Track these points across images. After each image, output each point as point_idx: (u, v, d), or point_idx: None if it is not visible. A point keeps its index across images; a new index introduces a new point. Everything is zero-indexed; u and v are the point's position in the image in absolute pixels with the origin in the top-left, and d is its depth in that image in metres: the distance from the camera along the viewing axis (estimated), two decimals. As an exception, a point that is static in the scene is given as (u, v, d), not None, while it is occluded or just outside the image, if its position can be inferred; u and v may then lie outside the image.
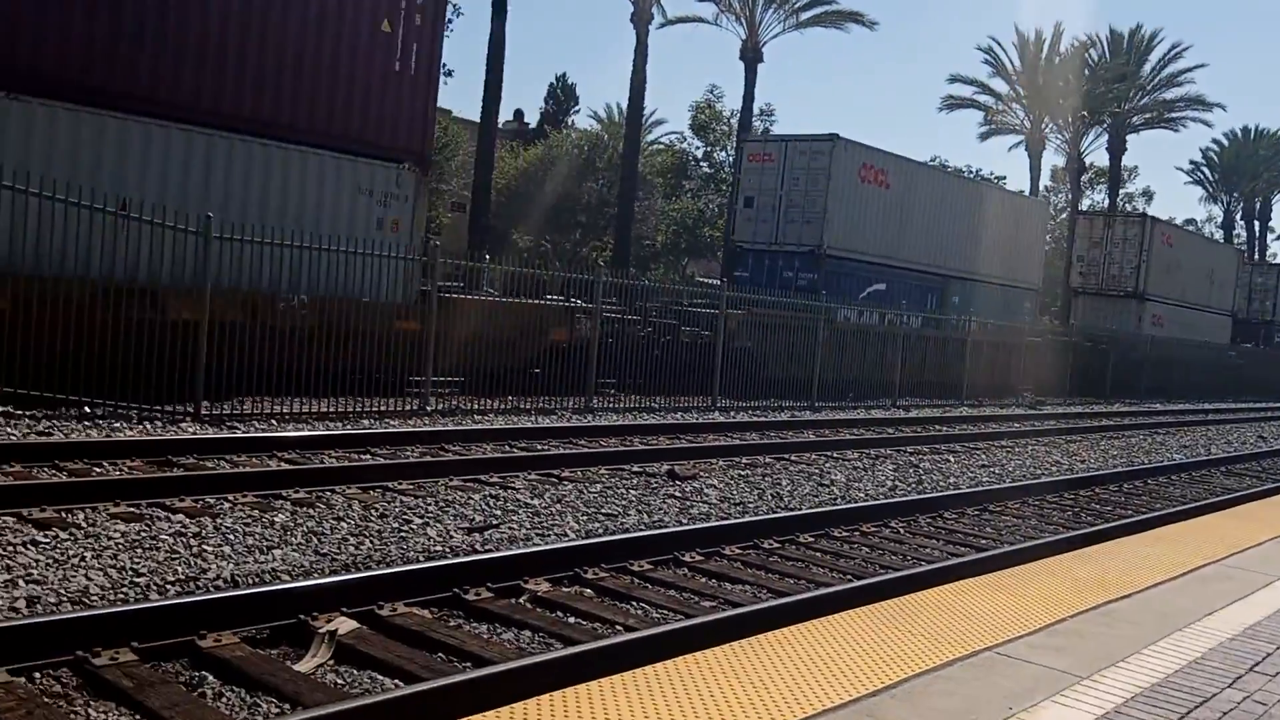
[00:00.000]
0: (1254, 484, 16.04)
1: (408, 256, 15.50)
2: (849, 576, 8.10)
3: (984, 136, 54.73)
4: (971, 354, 27.81)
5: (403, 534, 8.10)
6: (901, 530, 10.16)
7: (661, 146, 53.49)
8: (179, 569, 6.65)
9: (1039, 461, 16.68)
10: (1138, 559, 6.81)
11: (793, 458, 14.14)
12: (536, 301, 17.47)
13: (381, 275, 14.70)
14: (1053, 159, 58.34)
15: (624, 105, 43.73)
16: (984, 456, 16.51)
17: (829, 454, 14.85)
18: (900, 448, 16.36)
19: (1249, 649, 4.99)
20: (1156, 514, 11.87)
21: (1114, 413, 28.51)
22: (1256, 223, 71.97)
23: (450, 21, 29.20)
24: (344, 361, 13.92)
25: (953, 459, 15.82)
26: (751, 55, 41.38)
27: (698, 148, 48.43)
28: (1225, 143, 68.87)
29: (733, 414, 18.84)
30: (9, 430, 10.48)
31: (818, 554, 8.82)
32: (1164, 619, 5.34)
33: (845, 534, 9.60)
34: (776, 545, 8.84)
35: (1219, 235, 69.37)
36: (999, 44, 53.39)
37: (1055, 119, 53.55)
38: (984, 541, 10.01)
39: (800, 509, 10.54)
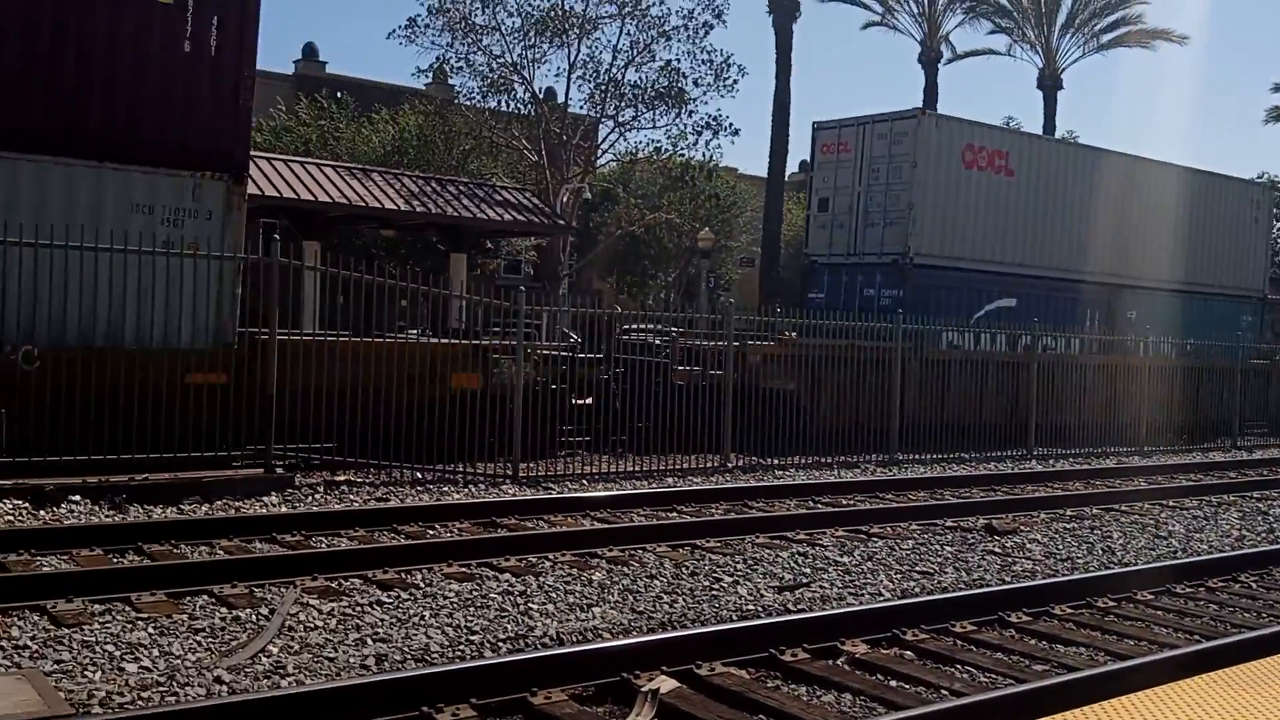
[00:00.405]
0: None
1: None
2: (1196, 637, 7.49)
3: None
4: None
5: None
6: (1253, 584, 9.30)
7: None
8: (508, 626, 7.04)
9: None
10: None
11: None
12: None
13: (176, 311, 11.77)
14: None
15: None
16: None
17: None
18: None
19: None
20: None
21: None
22: None
23: (736, 82, 29.78)
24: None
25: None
26: (1050, 82, 39.78)
27: None
28: None
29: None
30: (352, 497, 11.46)
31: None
32: None
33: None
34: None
35: None
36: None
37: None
38: (1350, 598, 9.00)
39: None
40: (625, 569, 8.77)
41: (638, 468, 13.89)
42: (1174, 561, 9.83)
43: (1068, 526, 11.87)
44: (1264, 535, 11.99)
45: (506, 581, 8.14)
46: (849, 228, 21.81)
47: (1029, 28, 40.09)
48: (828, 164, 22.43)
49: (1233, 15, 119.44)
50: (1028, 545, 10.72)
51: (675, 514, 11.47)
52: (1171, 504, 13.78)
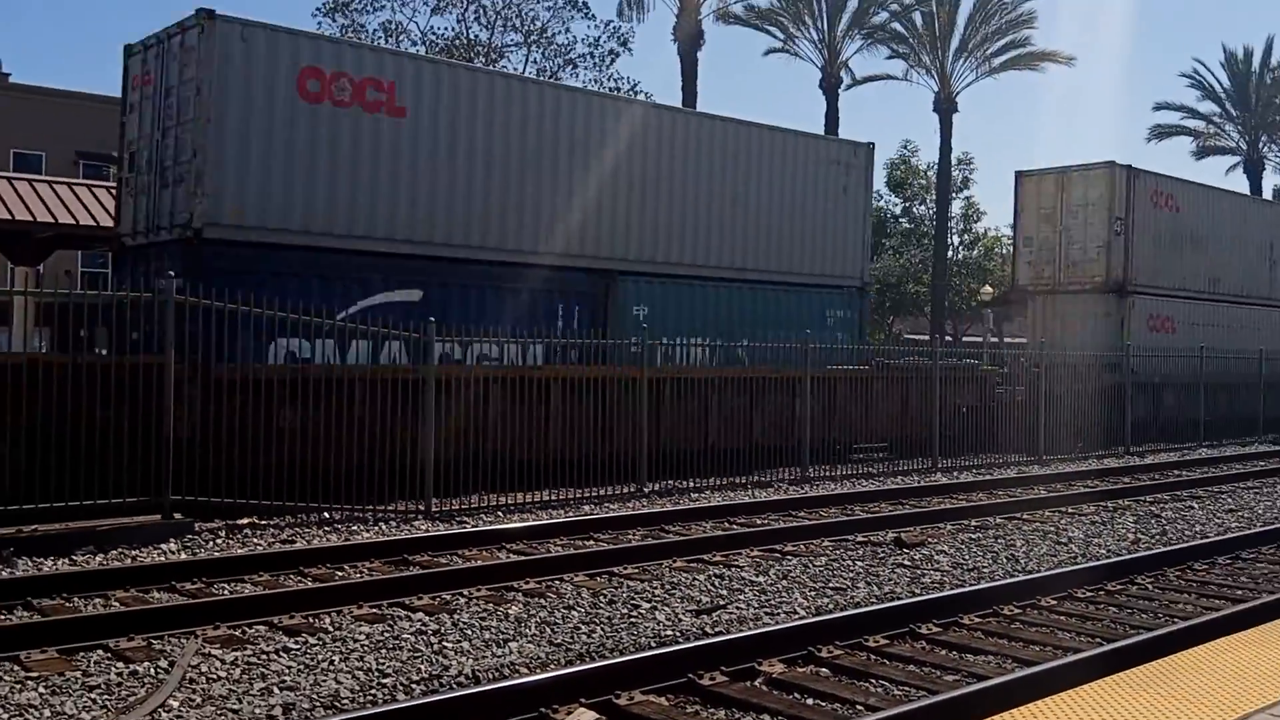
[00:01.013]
0: None
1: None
2: (1098, 640, 7.70)
3: (1198, 157, 52.00)
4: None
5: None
6: (1149, 586, 9.62)
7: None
8: (422, 667, 6.93)
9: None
10: None
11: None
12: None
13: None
14: (1273, 178, 54.86)
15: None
16: (1230, 500, 15.44)
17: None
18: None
19: None
20: None
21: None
22: None
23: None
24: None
25: (1197, 506, 14.85)
26: (946, 106, 40.88)
27: (895, 204, 48.05)
28: None
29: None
30: (256, 541, 11.19)
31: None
32: None
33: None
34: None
35: None
36: (1204, 65, 50.83)
37: (1273, 136, 50.51)
38: (1240, 593, 9.35)
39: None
40: (542, 601, 8.71)
41: (554, 497, 13.83)
42: (1074, 567, 10.08)
43: (973, 536, 12.14)
44: (1157, 538, 12.40)
45: (420, 621, 8.02)
46: (149, 192, 15.14)
47: (924, 53, 41.21)
48: (138, 102, 15.54)
49: (1117, 36, 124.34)
50: (936, 557, 10.93)
51: (593, 542, 11.44)
52: (1070, 510, 14.18)
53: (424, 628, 7.83)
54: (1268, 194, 53.10)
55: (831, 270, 20.71)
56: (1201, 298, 27.37)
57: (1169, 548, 11.22)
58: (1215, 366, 25.87)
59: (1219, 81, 49.68)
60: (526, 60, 29.66)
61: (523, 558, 10.28)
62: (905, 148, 49.35)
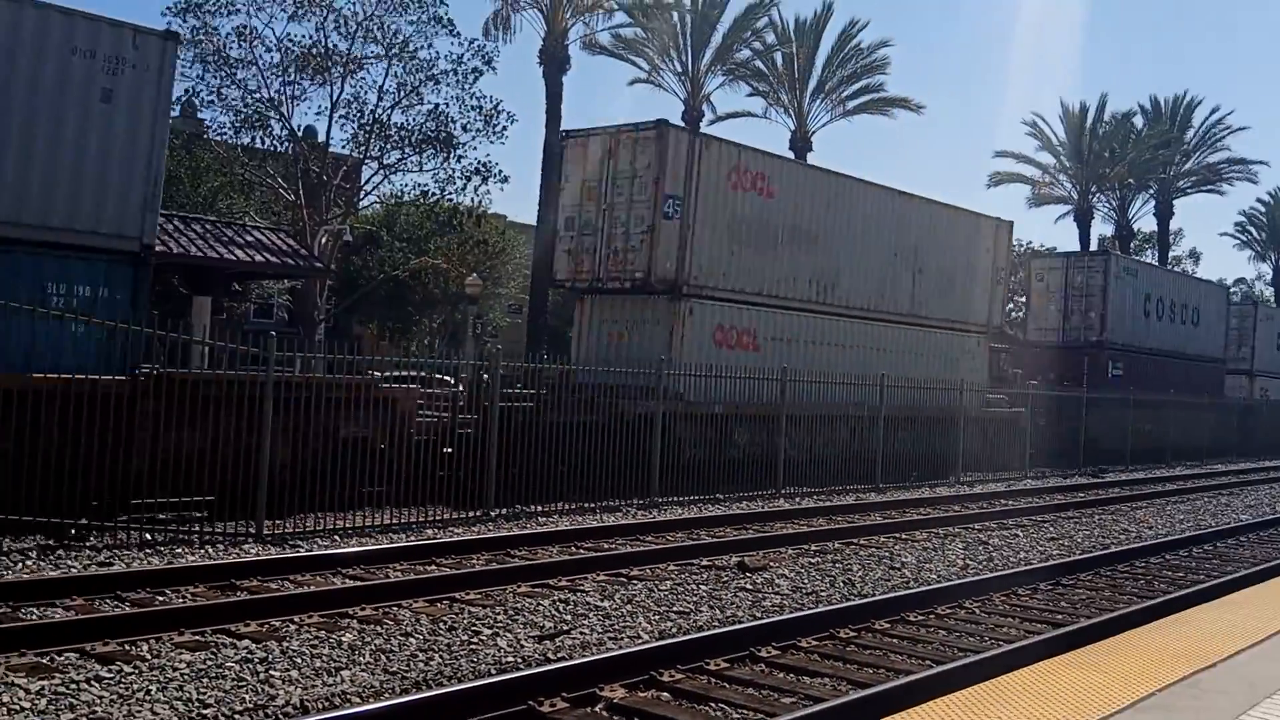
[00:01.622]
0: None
1: None
2: (928, 662, 7.93)
3: (1032, 205, 54.70)
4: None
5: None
6: (976, 610, 9.98)
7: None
8: (247, 697, 6.64)
9: (1107, 531, 16.32)
10: (1217, 626, 6.62)
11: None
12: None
13: None
14: (1101, 227, 58.11)
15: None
16: (1052, 529, 16.19)
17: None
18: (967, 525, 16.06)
19: (1349, 715, 4.80)
20: (1230, 577, 11.58)
21: (1175, 475, 27.87)
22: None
23: (505, 129, 29.90)
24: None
25: (1021, 534, 15.51)
26: (801, 144, 41.92)
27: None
28: (1271, 201, 68.22)
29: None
30: (70, 563, 10.57)
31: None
32: (1253, 687, 5.17)
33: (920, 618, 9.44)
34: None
35: (1269, 293, 68.33)
36: (1043, 118, 53.67)
37: (1102, 187, 53.56)
38: (1060, 617, 9.78)
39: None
40: (379, 628, 8.48)
41: (396, 520, 13.52)
42: (906, 591, 10.38)
43: (813, 561, 12.39)
44: (984, 564, 12.89)
45: (246, 648, 7.70)
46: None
47: (783, 92, 42.24)
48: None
49: (963, 87, 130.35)
50: (777, 580, 11.10)
51: (434, 567, 11.21)
52: (904, 536, 14.63)
53: (250, 655, 7.52)
54: (1094, 245, 56.35)
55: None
56: (804, 308, 21.59)
57: (995, 573, 11.67)
58: (819, 395, 20.28)
59: (1055, 133, 52.47)
60: (387, 73, 29.14)
61: (359, 583, 10.01)
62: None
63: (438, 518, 13.95)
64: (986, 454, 24.59)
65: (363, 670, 7.33)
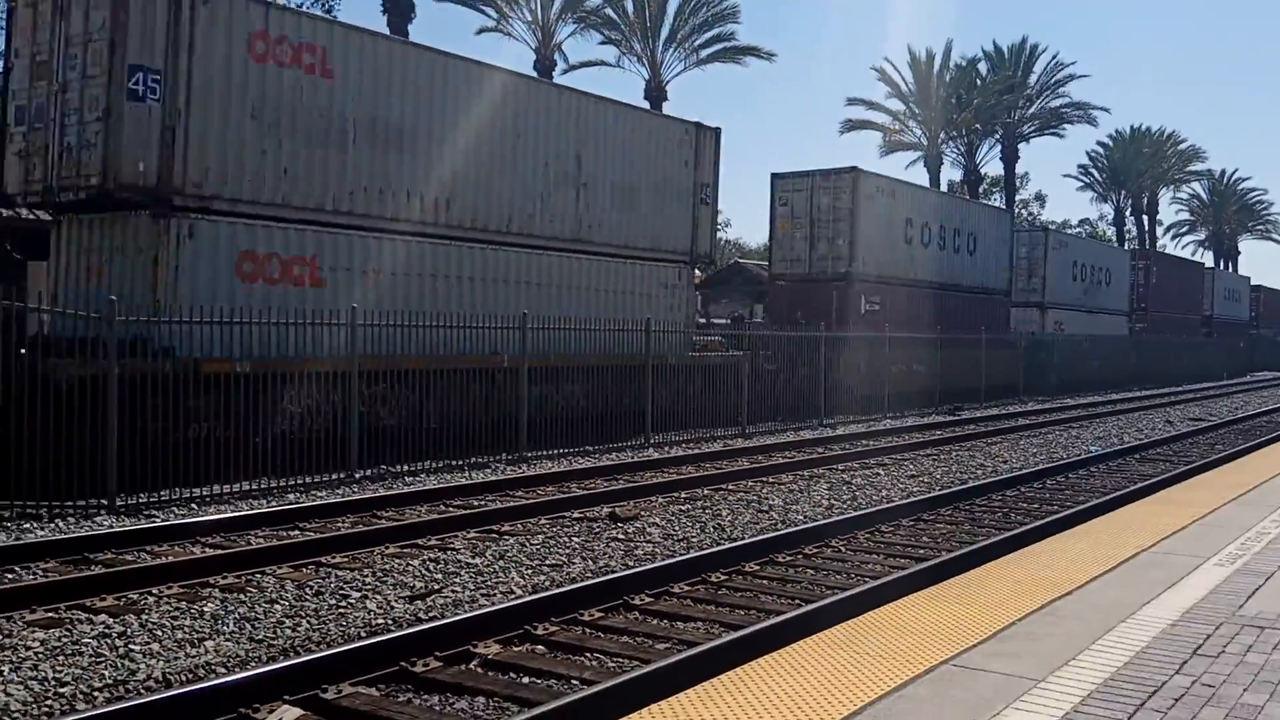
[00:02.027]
0: (1168, 469, 16.47)
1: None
2: (797, 602, 8.10)
3: (884, 153, 55.91)
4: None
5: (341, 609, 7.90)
6: (842, 548, 10.24)
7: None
8: (106, 673, 6.38)
9: (964, 466, 16.93)
10: (1073, 555, 6.92)
11: (726, 489, 14.07)
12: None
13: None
14: (950, 172, 59.84)
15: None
16: (912, 467, 16.71)
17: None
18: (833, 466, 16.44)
19: (1189, 633, 5.08)
20: (1083, 507, 12.12)
21: (1028, 411, 29.09)
22: (1145, 217, 74.60)
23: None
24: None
25: (882, 472, 15.97)
26: (656, 94, 41.87)
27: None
28: (1111, 144, 71.40)
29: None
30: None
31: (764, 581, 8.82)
32: (1107, 613, 5.42)
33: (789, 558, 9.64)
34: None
35: (1111, 233, 71.68)
36: (893, 64, 54.78)
37: (950, 133, 55.07)
38: (923, 552, 10.11)
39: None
40: (242, 596, 8.23)
41: (257, 486, 13.11)
42: (775, 533, 10.58)
43: (683, 508, 12.52)
44: (848, 503, 13.23)
45: (103, 623, 7.38)
46: None
47: (635, 41, 42.04)
48: None
49: (815, 35, 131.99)
50: (648, 529, 11.18)
51: (298, 532, 10.92)
52: (770, 480, 14.90)
53: (108, 630, 7.21)
54: (944, 189, 58.06)
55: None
56: (397, 230, 16.55)
57: (859, 512, 11.98)
58: (420, 343, 15.69)
59: (904, 80, 53.62)
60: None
61: (219, 551, 9.69)
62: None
63: (299, 482, 13.60)
64: (699, 408, 20.64)
65: (227, 640, 7.10)
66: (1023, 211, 67.65)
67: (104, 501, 11.74)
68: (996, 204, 36.93)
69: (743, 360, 22.06)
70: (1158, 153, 72.53)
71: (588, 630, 7.37)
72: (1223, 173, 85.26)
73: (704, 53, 42.90)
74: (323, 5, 29.82)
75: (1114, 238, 72.07)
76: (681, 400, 20.28)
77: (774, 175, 29.76)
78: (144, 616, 7.57)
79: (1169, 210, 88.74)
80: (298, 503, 12.43)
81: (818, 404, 23.94)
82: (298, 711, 5.62)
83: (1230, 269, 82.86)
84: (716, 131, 22.97)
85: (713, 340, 22.77)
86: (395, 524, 11.02)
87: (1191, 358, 52.60)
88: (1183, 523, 8.02)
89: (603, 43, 42.20)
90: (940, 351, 28.88)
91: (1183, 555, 6.84)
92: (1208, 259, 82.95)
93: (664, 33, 42.05)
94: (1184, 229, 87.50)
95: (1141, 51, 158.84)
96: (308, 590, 8.43)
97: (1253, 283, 73.57)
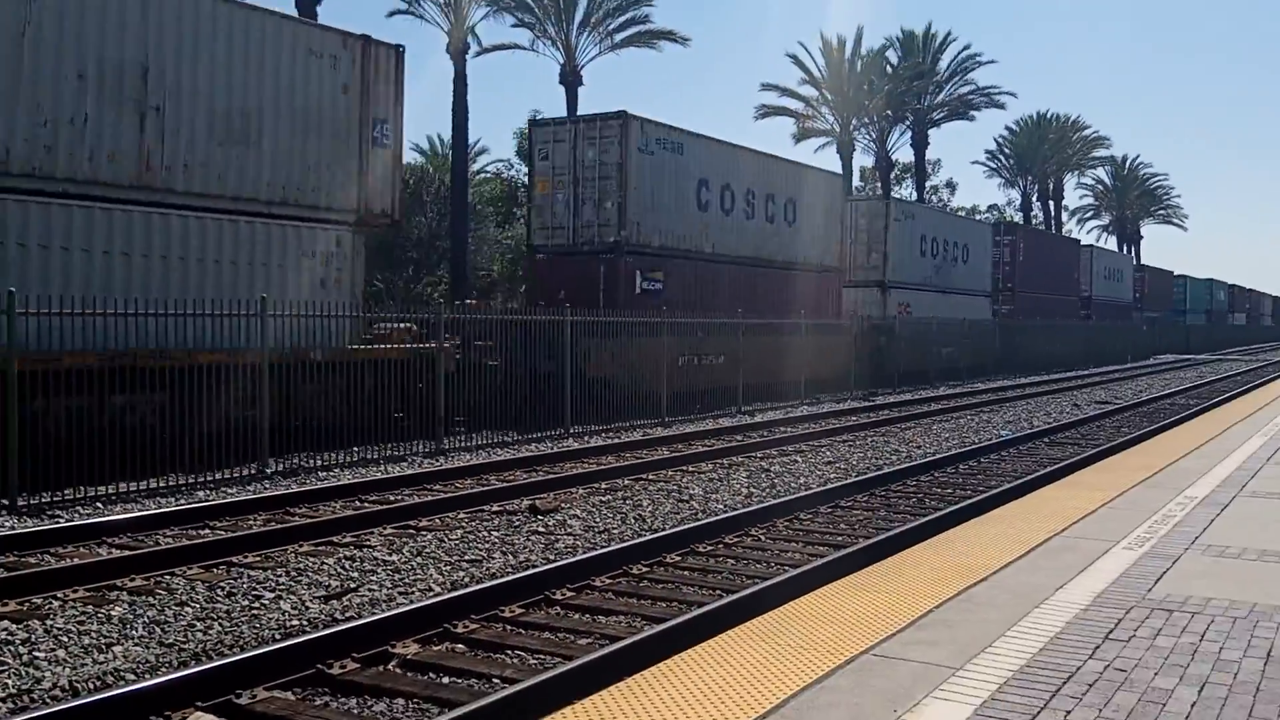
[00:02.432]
0: (1076, 451, 16.90)
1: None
2: (719, 593, 8.12)
3: (798, 140, 56.41)
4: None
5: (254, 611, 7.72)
6: (762, 537, 10.30)
7: (489, 175, 53.38)
8: (9, 682, 6.15)
9: (879, 452, 17.18)
10: (986, 540, 7.04)
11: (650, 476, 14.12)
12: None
13: None
14: (862, 159, 60.62)
15: (447, 136, 43.29)
16: (829, 453, 16.90)
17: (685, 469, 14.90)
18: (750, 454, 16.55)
19: (1102, 617, 5.19)
20: (996, 491, 12.36)
21: (940, 395, 29.64)
22: (1051, 203, 76.47)
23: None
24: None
25: (800, 459, 16.13)
26: (571, 79, 41.64)
27: (526, 174, 48.53)
28: (1017, 130, 73.01)
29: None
30: None
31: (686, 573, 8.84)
32: (1021, 598, 5.52)
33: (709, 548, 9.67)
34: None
35: (1019, 217, 73.32)
36: (806, 50, 55.35)
37: (862, 119, 55.79)
38: (841, 539, 10.22)
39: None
40: (151, 599, 7.99)
41: (165, 484, 12.76)
42: (695, 524, 10.60)
43: (604, 499, 12.49)
44: (767, 491, 13.33)
45: (4, 629, 7.11)
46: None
47: (549, 24, 41.75)
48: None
49: (730, 20, 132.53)
50: (569, 521, 11.13)
51: (208, 531, 10.66)
52: (691, 469, 14.95)
53: (10, 637, 6.95)
54: (856, 177, 58.77)
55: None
56: None
57: (778, 500, 12.07)
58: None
59: (817, 66, 54.16)
60: None
61: (126, 553, 9.40)
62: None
63: (209, 479, 13.28)
64: (370, 420, 15.98)
65: (136, 645, 6.90)
66: (933, 197, 68.77)
67: (4, 501, 11.34)
68: (827, 169, 31.25)
69: (439, 354, 16.90)
70: (1062, 139, 74.37)
71: (508, 627, 7.30)
72: (1125, 158, 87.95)
73: (618, 36, 42.83)
74: None
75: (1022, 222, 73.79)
76: (347, 409, 15.79)
77: (531, 122, 25.83)
78: (49, 622, 7.32)
79: (1074, 195, 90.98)
80: (208, 500, 12.14)
81: (564, 410, 19.25)
82: (210, 718, 5.48)
83: (1134, 253, 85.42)
84: (397, 50, 17.61)
85: (400, 329, 17.55)
86: (309, 521, 10.81)
87: (1063, 343, 48.07)
88: (1092, 506, 8.21)
89: (516, 25, 41.84)
90: (743, 339, 24.22)
91: (1093, 539, 7.00)
92: (1111, 243, 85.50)
93: (578, 16, 41.87)
94: (1089, 214, 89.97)
95: (1047, 40, 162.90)
96: (219, 591, 8.22)
97: (1140, 263, 74.85)
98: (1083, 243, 61.88)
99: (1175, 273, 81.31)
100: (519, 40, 42.59)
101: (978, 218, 62.97)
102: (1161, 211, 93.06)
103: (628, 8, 42.26)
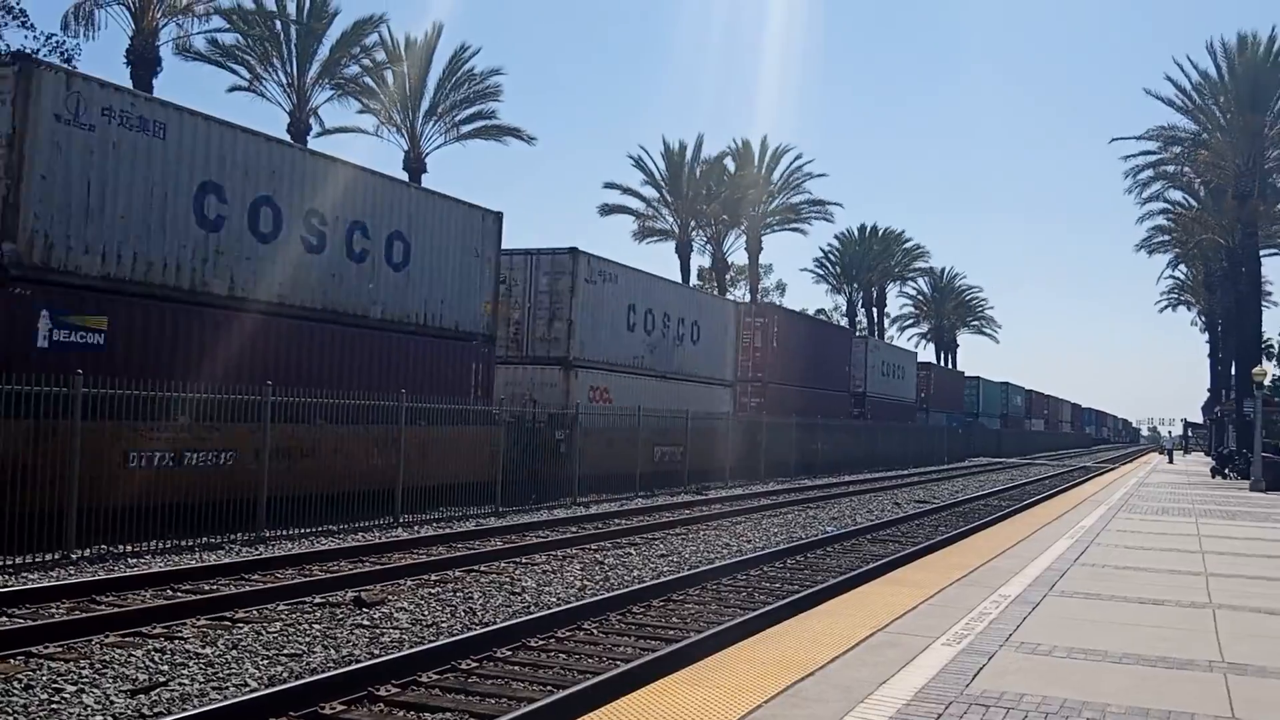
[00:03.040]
0: (897, 549, 17.47)
1: None
2: (550, 688, 8.01)
3: (638, 238, 57.51)
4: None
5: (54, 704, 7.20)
6: (595, 631, 10.23)
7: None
8: None
9: (711, 546, 17.36)
10: (813, 635, 7.20)
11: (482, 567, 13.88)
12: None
13: None
14: (699, 259, 62.18)
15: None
16: (662, 546, 16.99)
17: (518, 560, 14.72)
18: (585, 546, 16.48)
19: (923, 712, 5.36)
20: (820, 587, 12.64)
21: (769, 491, 30.24)
22: (875, 309, 79.99)
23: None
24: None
25: (634, 551, 16.15)
26: (415, 165, 41.63)
27: None
28: (844, 240, 76.45)
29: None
30: None
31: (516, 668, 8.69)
32: (847, 693, 5.66)
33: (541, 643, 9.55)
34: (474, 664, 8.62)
35: (844, 322, 76.30)
36: (648, 153, 56.89)
37: (700, 222, 57.49)
38: (672, 633, 10.25)
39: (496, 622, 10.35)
40: (-65, 693, 7.38)
41: (-47, 568, 11.87)
42: (527, 617, 10.46)
43: (433, 591, 12.21)
44: (600, 584, 13.29)
45: None
46: None
47: (395, 112, 41.78)
48: None
49: (578, 121, 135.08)
50: (395, 614, 10.83)
51: (5, 619, 9.92)
52: (524, 560, 14.78)
53: None
54: (694, 276, 60.27)
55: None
56: None
57: (611, 593, 12.04)
58: None
59: (658, 169, 55.66)
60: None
61: (-89, 643, 8.67)
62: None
63: (8, 563, 12.41)
64: None
65: (-87, 747, 6.34)
66: (763, 298, 71.06)
67: None
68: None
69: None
70: (886, 249, 78.24)
71: (331, 723, 7.02)
72: (943, 270, 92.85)
73: (465, 128, 43.20)
74: (61, 55, 28.09)
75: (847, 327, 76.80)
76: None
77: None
78: None
79: (895, 303, 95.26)
80: (5, 586, 11.32)
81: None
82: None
83: (949, 362, 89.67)
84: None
85: None
86: (117, 610, 10.19)
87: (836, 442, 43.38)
88: (913, 602, 8.51)
89: (361, 111, 41.69)
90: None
91: (914, 635, 7.24)
92: (929, 352, 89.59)
93: (424, 105, 42.06)
94: (909, 322, 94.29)
95: (876, 153, 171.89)
96: (16, 684, 7.65)
97: (922, 360, 68.86)
98: (857, 334, 58.40)
99: (967, 374, 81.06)
100: (364, 125, 42.50)
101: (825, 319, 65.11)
102: (975, 321, 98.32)
103: (474, 100, 42.79)
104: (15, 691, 7.50)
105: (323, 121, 40.62)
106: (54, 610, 10.40)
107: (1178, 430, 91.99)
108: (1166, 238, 57.32)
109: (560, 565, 14.60)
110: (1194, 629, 7.97)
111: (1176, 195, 52.67)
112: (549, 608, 11.28)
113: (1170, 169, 47.43)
